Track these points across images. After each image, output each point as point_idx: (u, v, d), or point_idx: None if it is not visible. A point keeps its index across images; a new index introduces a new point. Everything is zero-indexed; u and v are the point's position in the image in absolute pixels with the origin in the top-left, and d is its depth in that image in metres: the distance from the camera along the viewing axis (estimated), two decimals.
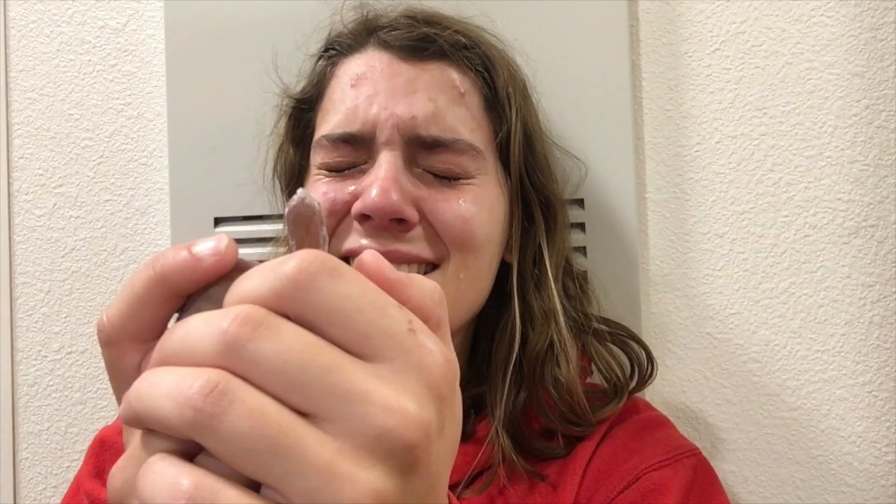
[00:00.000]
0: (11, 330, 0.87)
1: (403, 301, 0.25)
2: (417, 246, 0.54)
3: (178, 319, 0.26)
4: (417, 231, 0.55)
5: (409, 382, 0.23)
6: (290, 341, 0.22)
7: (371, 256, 0.26)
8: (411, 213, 0.53)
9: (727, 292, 0.74)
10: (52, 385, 0.87)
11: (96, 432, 0.66)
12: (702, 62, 0.74)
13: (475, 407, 0.61)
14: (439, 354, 0.24)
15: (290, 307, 0.23)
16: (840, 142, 0.71)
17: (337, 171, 0.57)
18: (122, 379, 0.26)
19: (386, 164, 0.54)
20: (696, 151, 0.74)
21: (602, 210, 0.73)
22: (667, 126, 0.75)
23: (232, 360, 0.22)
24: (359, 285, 0.24)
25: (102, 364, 0.88)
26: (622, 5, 0.73)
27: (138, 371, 0.26)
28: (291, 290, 0.23)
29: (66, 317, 0.87)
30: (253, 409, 0.21)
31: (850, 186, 0.71)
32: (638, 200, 0.74)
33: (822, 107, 0.72)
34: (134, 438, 0.24)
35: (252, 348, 0.22)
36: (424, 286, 0.26)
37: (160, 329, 0.26)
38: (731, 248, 0.74)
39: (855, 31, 0.71)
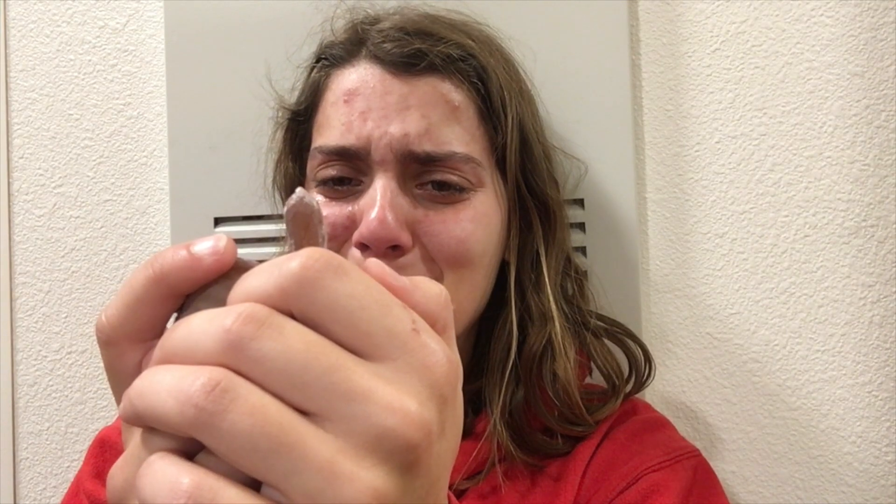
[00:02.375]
0: (11, 330, 0.87)
1: (409, 307, 0.25)
2: (415, 270, 0.55)
3: (178, 319, 0.26)
4: (413, 255, 0.55)
5: (410, 382, 0.23)
6: (293, 340, 0.22)
7: (375, 265, 0.26)
8: (406, 240, 0.54)
9: (727, 292, 0.74)
10: (52, 385, 0.87)
11: (96, 432, 0.66)
12: (702, 62, 0.74)
13: (473, 405, 0.61)
14: (442, 355, 0.24)
15: (294, 305, 0.23)
16: (840, 142, 0.71)
17: (334, 183, 0.57)
18: (121, 379, 0.26)
19: (381, 188, 0.54)
20: (696, 151, 0.74)
21: (602, 210, 0.73)
22: (667, 126, 0.75)
23: (234, 358, 0.22)
24: (363, 283, 0.24)
25: (103, 364, 0.88)
26: (622, 5, 0.73)
27: (138, 370, 0.26)
28: (296, 287, 0.23)
29: (66, 317, 0.87)
30: (255, 407, 0.21)
31: (850, 186, 0.71)
32: (638, 200, 0.74)
33: (822, 107, 0.72)
34: (134, 437, 0.24)
35: (255, 347, 0.22)
36: (430, 291, 0.26)
37: (159, 329, 0.26)
38: (731, 248, 0.74)
39: (855, 31, 0.71)
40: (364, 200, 0.55)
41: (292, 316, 0.23)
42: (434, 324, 0.26)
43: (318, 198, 0.57)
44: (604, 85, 0.73)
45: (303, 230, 0.26)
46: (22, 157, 0.88)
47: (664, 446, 0.58)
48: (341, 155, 0.56)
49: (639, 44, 0.76)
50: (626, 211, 0.73)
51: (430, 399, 0.23)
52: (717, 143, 0.74)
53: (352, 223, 0.55)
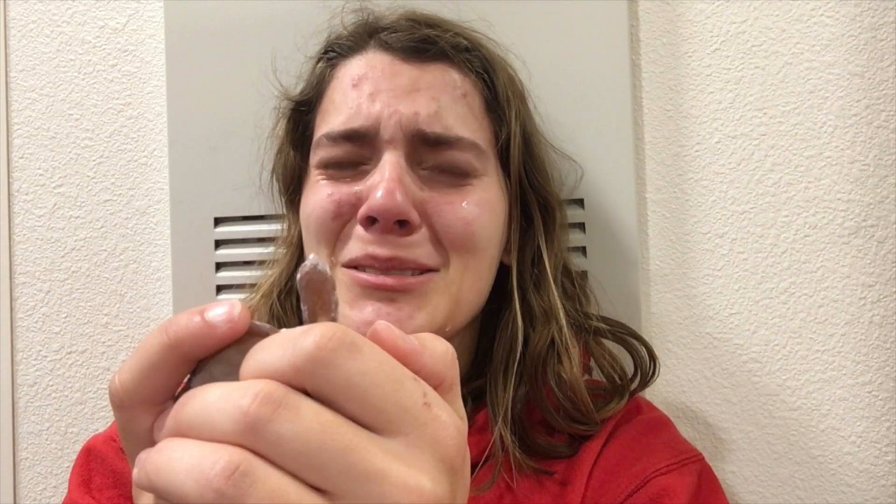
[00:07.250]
0: (11, 330, 0.87)
1: (417, 370, 0.26)
2: (420, 251, 0.54)
3: (190, 381, 0.26)
4: (420, 235, 0.54)
5: (423, 457, 0.24)
6: (309, 421, 0.23)
7: (384, 328, 0.26)
8: (414, 216, 0.53)
9: (727, 292, 0.74)
10: (52, 385, 0.87)
11: (96, 433, 0.66)
12: (702, 62, 0.74)
13: (473, 397, 0.60)
14: (452, 427, 0.25)
15: (308, 383, 0.24)
16: (840, 142, 0.71)
17: (337, 167, 0.56)
18: (134, 440, 0.27)
19: (390, 164, 0.53)
20: (696, 151, 0.74)
21: (602, 210, 0.73)
22: (667, 126, 0.75)
23: (252, 440, 0.22)
24: (376, 360, 0.24)
25: (102, 364, 0.88)
26: (622, 5, 0.73)
27: (150, 432, 0.26)
28: (310, 366, 0.23)
29: (66, 317, 0.87)
30: (273, 490, 0.22)
31: (850, 186, 0.71)
32: (638, 200, 0.74)
33: (822, 107, 0.72)
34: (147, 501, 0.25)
35: (272, 429, 0.22)
36: (436, 351, 0.27)
37: (172, 391, 0.27)
38: (731, 248, 0.74)
39: (855, 31, 0.71)
40: (372, 178, 0.54)
41: (305, 390, 0.24)
42: (441, 383, 0.26)
43: (322, 184, 0.57)
44: (604, 85, 0.73)
45: (316, 296, 0.27)
46: (22, 157, 0.88)
47: (670, 448, 0.57)
48: (349, 138, 0.55)
49: (639, 44, 0.76)
50: (626, 211, 0.73)
51: (441, 473, 0.24)
52: (717, 143, 0.74)
53: (358, 201, 0.54)
